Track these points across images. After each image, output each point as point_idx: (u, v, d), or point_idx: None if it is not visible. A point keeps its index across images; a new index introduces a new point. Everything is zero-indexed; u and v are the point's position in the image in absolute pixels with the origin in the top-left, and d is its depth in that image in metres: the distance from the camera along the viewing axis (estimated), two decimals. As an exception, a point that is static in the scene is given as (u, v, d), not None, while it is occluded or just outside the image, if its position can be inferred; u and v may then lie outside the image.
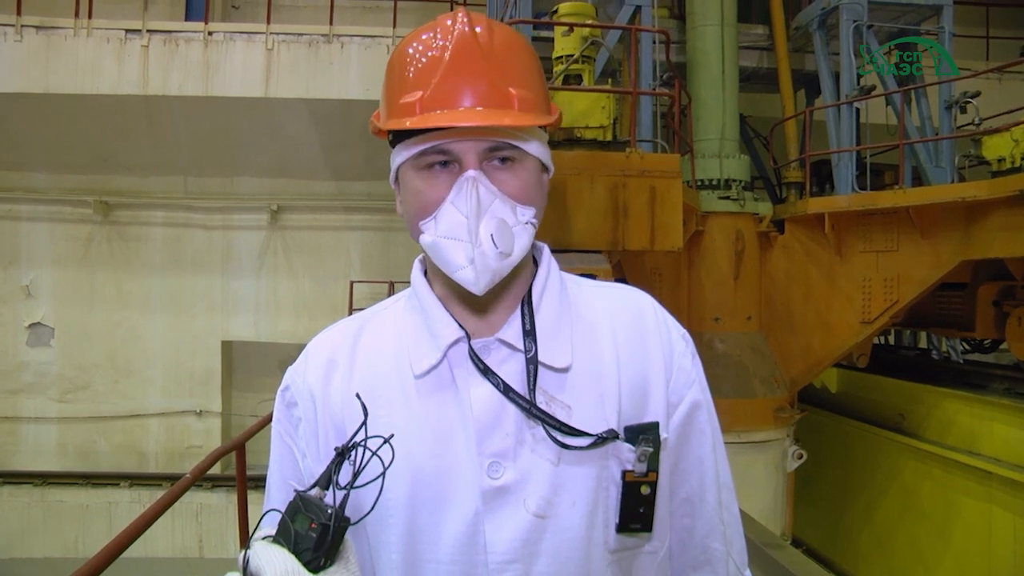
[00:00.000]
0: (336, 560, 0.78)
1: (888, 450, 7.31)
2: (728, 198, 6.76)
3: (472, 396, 0.94)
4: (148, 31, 9.56)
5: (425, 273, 1.04)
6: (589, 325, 1.01)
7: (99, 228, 10.72)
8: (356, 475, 0.81)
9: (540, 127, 0.98)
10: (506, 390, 0.92)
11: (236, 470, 4.08)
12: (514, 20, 5.99)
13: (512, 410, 0.93)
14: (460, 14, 0.95)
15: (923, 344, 9.50)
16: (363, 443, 0.83)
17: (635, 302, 1.06)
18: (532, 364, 0.94)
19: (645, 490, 0.92)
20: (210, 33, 9.63)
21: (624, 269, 6.04)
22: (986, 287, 6.66)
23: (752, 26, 8.00)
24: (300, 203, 10.83)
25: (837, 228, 6.53)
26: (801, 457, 6.73)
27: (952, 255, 5.96)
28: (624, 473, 0.92)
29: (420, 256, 1.03)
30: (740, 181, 6.85)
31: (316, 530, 0.76)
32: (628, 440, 0.92)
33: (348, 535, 0.79)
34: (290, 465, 1.03)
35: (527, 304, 0.98)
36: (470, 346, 0.96)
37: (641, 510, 0.93)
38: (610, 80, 6.75)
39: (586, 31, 5.51)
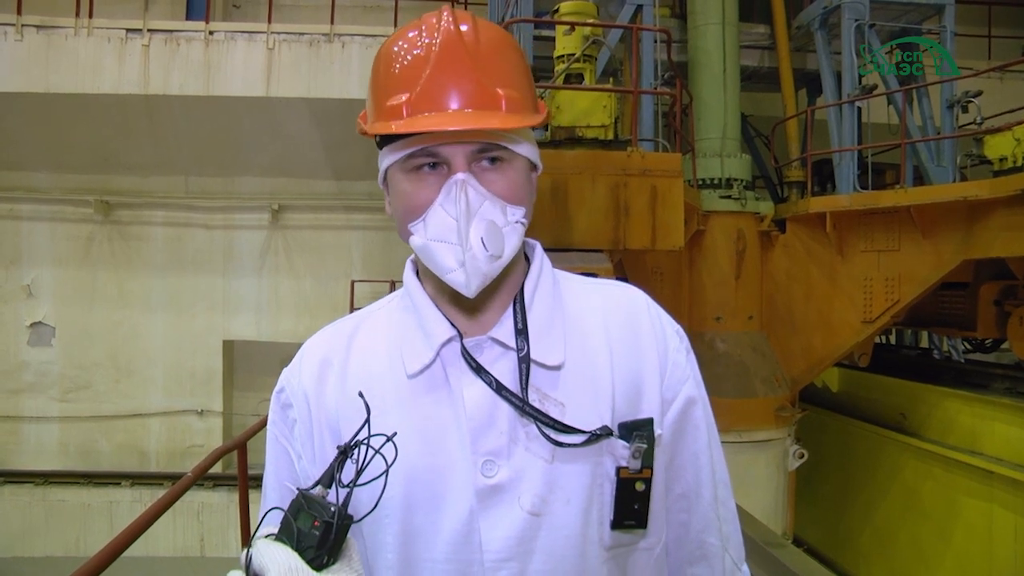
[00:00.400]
0: (339, 558, 0.78)
1: (889, 450, 7.30)
2: (729, 197, 6.75)
3: (465, 395, 0.93)
4: (149, 30, 9.56)
5: (417, 273, 1.04)
6: (582, 322, 1.00)
7: (100, 227, 10.72)
8: (359, 473, 0.81)
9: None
10: (499, 388, 0.92)
11: (237, 469, 4.10)
12: (515, 19, 5.99)
13: (505, 408, 0.92)
14: (445, 12, 0.94)
15: (924, 344, 9.50)
16: (366, 441, 0.83)
17: (628, 298, 1.05)
18: (524, 362, 0.94)
19: (640, 486, 0.92)
20: (211, 32, 9.63)
21: (625, 268, 6.04)
22: (987, 286, 6.64)
23: (753, 25, 7.98)
24: (301, 202, 10.83)
25: (838, 227, 6.52)
26: (802, 456, 6.73)
27: (953, 254, 5.95)
28: (618, 470, 0.92)
29: (412, 256, 1.02)
30: (741, 180, 6.85)
31: (319, 528, 0.76)
32: (622, 437, 0.92)
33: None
34: (286, 467, 1.03)
35: (519, 302, 0.98)
36: (462, 345, 0.95)
37: (636, 506, 0.92)
38: (611, 79, 6.74)
39: (587, 30, 5.51)
